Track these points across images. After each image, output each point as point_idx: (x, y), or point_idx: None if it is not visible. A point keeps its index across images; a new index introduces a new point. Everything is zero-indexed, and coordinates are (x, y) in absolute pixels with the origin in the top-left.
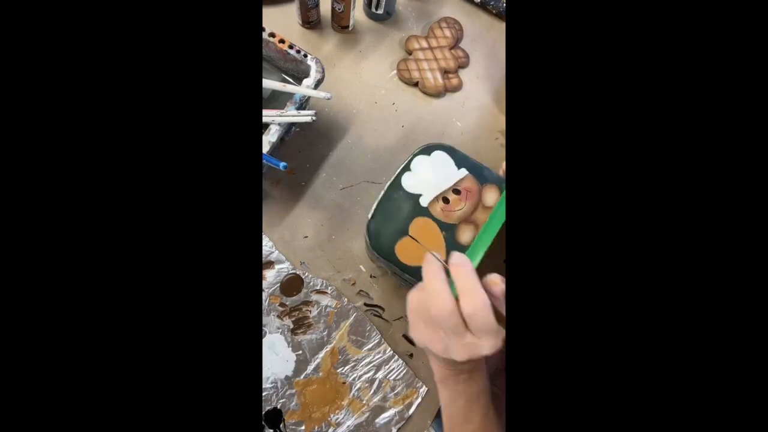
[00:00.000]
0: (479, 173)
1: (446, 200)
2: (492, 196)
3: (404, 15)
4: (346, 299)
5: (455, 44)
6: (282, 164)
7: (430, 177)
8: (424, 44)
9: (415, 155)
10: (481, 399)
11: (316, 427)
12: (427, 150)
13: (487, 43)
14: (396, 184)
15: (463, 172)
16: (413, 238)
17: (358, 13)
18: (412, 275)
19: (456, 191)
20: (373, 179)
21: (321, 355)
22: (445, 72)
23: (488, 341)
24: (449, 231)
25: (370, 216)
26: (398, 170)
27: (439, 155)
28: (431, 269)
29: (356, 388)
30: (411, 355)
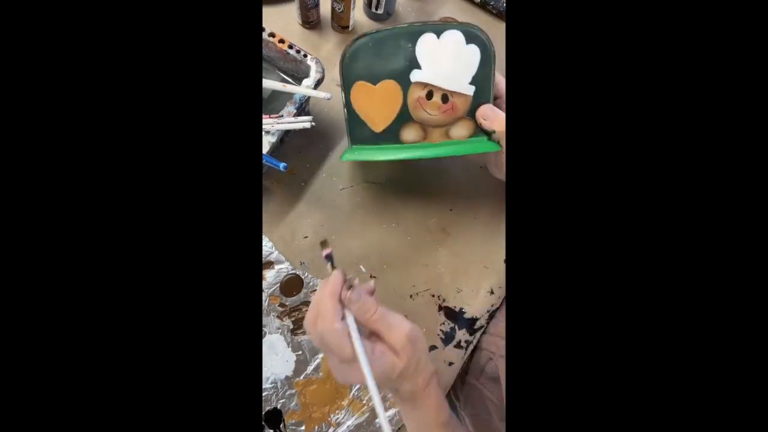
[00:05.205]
0: (476, 104)
1: (430, 95)
2: (459, 131)
3: (404, 15)
4: None
5: None
6: (282, 165)
7: (445, 60)
8: None
9: (458, 26)
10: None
11: (316, 427)
12: (473, 35)
13: None
14: (412, 33)
15: (470, 89)
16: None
17: (358, 13)
18: (348, 116)
19: (445, 98)
20: (373, 179)
21: (321, 355)
22: None
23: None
24: (401, 120)
25: (363, 34)
26: (429, 24)
27: (472, 51)
28: (332, 287)
29: (356, 388)
30: None
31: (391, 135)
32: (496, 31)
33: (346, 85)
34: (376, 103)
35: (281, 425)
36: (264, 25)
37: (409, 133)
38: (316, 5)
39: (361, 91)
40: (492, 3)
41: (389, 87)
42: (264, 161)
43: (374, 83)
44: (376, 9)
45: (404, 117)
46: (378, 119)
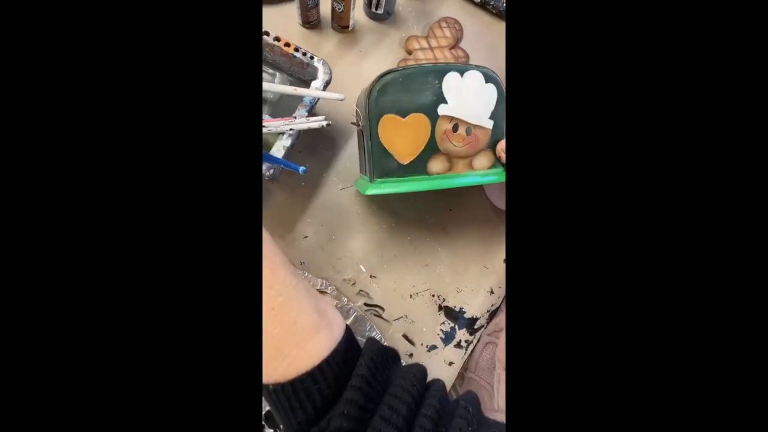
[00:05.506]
0: (495, 136)
1: (456, 128)
2: (481, 162)
3: (404, 15)
4: (346, 299)
5: (455, 44)
6: (301, 168)
7: (468, 96)
8: (424, 44)
9: (477, 68)
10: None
11: None
12: (490, 76)
13: (487, 43)
14: (439, 72)
15: (490, 123)
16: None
17: (358, 13)
18: (373, 149)
19: (469, 131)
20: None
21: None
22: None
23: None
24: (429, 152)
25: (390, 70)
26: (452, 64)
27: (491, 89)
28: None
29: None
30: (411, 355)
31: (417, 166)
32: (496, 31)
33: (373, 119)
34: (404, 136)
35: (281, 425)
36: (264, 25)
37: (436, 165)
38: (316, 5)
39: (389, 123)
40: (492, 3)
41: (419, 120)
42: (281, 166)
43: (403, 116)
44: (376, 9)
45: (431, 149)
46: (405, 151)
